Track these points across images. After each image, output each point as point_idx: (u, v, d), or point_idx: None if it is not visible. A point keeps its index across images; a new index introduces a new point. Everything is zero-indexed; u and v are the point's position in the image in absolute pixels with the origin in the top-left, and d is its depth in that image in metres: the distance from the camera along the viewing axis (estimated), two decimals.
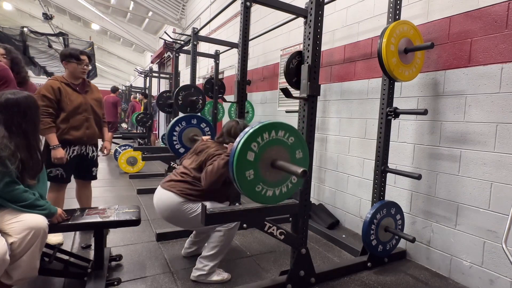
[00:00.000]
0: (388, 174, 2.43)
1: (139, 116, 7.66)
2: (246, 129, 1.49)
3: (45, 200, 1.73)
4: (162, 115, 10.60)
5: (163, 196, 2.01)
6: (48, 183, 2.41)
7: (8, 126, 1.60)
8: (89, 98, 2.53)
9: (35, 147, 1.71)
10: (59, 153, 2.30)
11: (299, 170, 1.40)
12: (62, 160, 2.33)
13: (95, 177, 2.69)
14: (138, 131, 8.68)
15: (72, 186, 2.65)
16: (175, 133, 3.36)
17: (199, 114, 3.80)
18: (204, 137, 2.34)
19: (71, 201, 2.70)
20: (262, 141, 1.49)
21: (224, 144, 2.12)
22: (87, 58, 2.51)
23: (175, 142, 3.36)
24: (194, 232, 2.35)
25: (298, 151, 1.61)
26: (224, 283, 2.01)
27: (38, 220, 1.56)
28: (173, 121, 3.41)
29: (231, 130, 2.14)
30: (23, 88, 2.41)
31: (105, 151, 2.74)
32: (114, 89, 8.19)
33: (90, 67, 2.54)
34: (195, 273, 2.01)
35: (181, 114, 3.62)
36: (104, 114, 2.76)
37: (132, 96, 10.05)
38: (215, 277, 2.01)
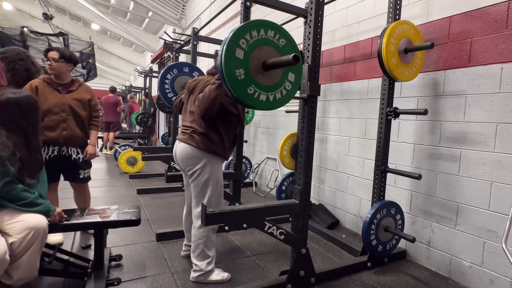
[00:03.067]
0: (388, 174, 2.43)
1: (139, 116, 7.66)
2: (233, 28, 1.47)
3: (45, 199, 1.73)
4: (162, 115, 10.60)
5: (185, 150, 1.98)
6: None
7: (7, 125, 1.61)
8: (69, 98, 2.43)
9: (35, 147, 1.71)
10: None
11: (290, 56, 1.38)
12: None
13: (85, 180, 2.59)
14: (136, 131, 8.68)
15: (69, 187, 2.64)
16: (167, 81, 3.30)
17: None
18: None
19: (71, 201, 2.70)
20: (251, 38, 1.47)
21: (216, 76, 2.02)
22: (55, 53, 2.39)
23: (167, 90, 3.31)
24: (185, 235, 2.34)
25: (282, 40, 1.60)
26: (224, 283, 2.01)
27: (38, 220, 1.56)
28: (164, 68, 3.36)
29: None
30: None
31: (86, 155, 2.54)
32: (113, 89, 8.18)
33: (60, 64, 2.40)
34: (193, 275, 2.01)
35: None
36: (97, 115, 2.63)
37: (129, 96, 10.01)
38: (215, 277, 2.01)
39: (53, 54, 2.40)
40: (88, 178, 2.63)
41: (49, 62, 2.39)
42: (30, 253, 1.51)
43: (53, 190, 2.48)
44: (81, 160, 2.52)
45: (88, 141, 2.61)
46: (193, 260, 2.02)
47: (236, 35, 1.44)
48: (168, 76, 3.32)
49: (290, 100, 1.68)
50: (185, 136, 2.01)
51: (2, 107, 1.62)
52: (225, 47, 1.42)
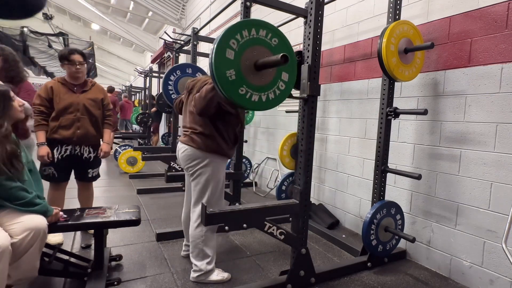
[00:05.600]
0: (388, 174, 2.43)
1: (139, 116, 7.63)
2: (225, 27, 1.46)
3: (43, 199, 1.73)
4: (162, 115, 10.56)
5: (186, 151, 2.00)
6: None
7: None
8: (83, 98, 2.46)
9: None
10: (42, 151, 2.30)
11: (279, 56, 1.37)
12: (44, 159, 2.30)
13: (92, 179, 2.61)
14: (131, 131, 8.66)
15: (74, 186, 2.64)
16: (170, 82, 3.35)
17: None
18: None
19: (70, 201, 2.70)
20: (241, 39, 1.45)
21: None
22: (79, 57, 2.43)
23: (171, 92, 3.37)
24: (185, 235, 2.33)
25: (274, 39, 1.58)
26: (224, 283, 2.01)
27: (37, 221, 1.56)
28: (167, 70, 3.42)
29: None
30: (18, 87, 2.38)
31: (100, 153, 2.59)
32: (111, 89, 8.17)
33: (84, 66, 2.48)
34: (193, 275, 2.00)
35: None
36: (110, 114, 2.65)
37: (123, 95, 9.97)
38: (215, 277, 2.01)
39: (79, 58, 2.44)
40: (96, 177, 2.66)
41: (77, 66, 2.42)
42: (30, 253, 1.51)
43: (60, 190, 2.51)
44: (92, 159, 2.56)
45: (101, 140, 2.65)
46: (192, 260, 2.02)
47: (226, 36, 1.43)
48: (172, 78, 3.35)
49: (283, 100, 1.67)
50: (185, 138, 2.02)
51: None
52: (215, 47, 1.41)
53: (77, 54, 2.44)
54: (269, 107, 1.61)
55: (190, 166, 2.00)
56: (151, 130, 7.97)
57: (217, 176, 2.01)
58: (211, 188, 1.98)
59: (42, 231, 1.55)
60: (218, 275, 2.03)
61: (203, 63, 7.44)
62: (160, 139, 8.26)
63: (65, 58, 2.40)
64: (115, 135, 8.07)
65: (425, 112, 2.07)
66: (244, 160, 4.49)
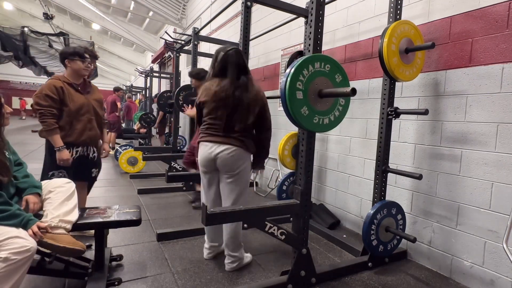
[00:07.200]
0: (389, 174, 2.42)
1: (143, 117, 7.62)
2: (287, 72, 1.61)
3: (40, 188, 1.71)
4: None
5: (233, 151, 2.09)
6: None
7: None
8: (91, 99, 2.49)
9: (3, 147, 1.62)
10: (65, 155, 2.29)
11: (348, 89, 1.54)
12: (68, 162, 2.31)
13: (95, 179, 2.62)
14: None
15: None
16: None
17: None
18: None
19: None
20: (304, 78, 1.62)
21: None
22: (89, 56, 2.45)
23: None
24: (207, 237, 2.33)
25: (337, 75, 1.73)
26: (225, 283, 2.02)
27: (23, 244, 1.40)
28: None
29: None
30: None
31: (103, 153, 2.66)
32: (116, 89, 8.14)
33: (92, 66, 2.50)
34: (232, 265, 2.15)
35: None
36: (105, 114, 2.71)
37: (126, 96, 9.86)
38: (246, 260, 2.24)
39: (89, 56, 2.44)
40: (96, 177, 2.65)
41: (88, 64, 2.43)
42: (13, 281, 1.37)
43: None
44: (95, 158, 2.57)
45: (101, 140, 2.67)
46: (231, 252, 2.14)
47: (294, 78, 1.59)
48: None
49: (340, 122, 1.83)
50: (229, 139, 2.03)
51: None
52: (287, 92, 1.58)
53: (89, 53, 2.47)
54: (337, 124, 1.78)
55: (236, 167, 2.05)
56: (160, 131, 8.05)
57: (249, 175, 2.16)
58: (247, 187, 2.15)
59: (29, 255, 1.40)
60: (247, 258, 2.26)
61: (204, 63, 7.44)
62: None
63: (78, 54, 2.36)
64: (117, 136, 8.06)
65: (426, 112, 2.07)
66: None
